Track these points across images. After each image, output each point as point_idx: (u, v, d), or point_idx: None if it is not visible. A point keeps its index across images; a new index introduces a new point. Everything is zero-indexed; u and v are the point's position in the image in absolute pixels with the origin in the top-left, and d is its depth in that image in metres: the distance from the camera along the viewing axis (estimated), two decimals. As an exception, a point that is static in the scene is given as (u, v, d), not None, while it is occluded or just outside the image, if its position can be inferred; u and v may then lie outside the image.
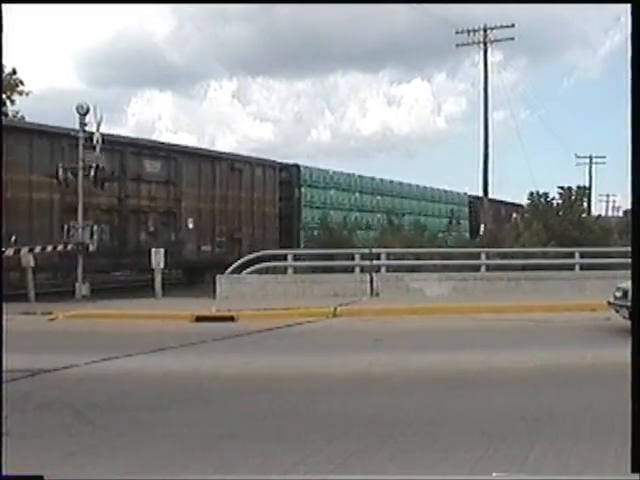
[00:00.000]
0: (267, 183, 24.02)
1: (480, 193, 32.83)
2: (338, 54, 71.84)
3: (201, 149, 23.23)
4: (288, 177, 25.31)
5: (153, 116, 79.03)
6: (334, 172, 28.45)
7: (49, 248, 16.14)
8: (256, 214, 23.42)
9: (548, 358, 8.53)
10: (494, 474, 4.16)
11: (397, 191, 32.22)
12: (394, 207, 30.83)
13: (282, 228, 24.38)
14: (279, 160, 26.61)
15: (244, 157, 24.17)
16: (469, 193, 38.27)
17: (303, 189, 25.81)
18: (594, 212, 40.56)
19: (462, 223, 33.59)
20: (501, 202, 37.90)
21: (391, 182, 32.05)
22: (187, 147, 22.41)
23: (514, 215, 37.20)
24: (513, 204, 39.07)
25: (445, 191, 36.87)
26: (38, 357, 8.58)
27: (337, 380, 7.61)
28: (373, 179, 30.93)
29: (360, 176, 30.02)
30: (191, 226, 20.71)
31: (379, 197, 30.71)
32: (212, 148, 23.84)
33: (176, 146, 21.47)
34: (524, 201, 28.56)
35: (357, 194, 29.24)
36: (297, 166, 26.07)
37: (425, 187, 34.89)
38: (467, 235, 31.79)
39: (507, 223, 34.31)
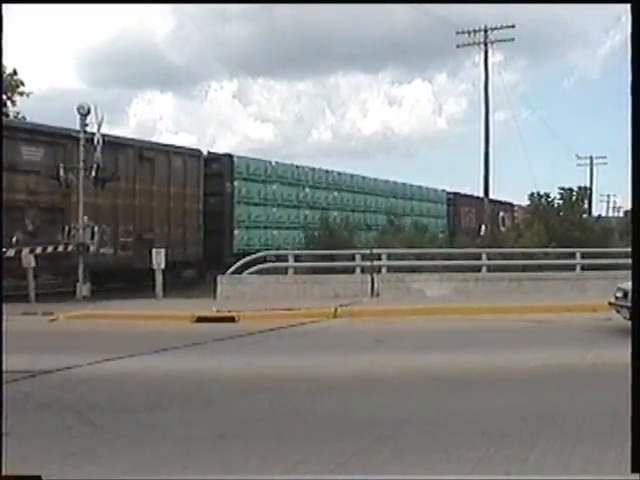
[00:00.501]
0: (188, 175, 21.09)
1: (481, 193, 32.74)
2: (339, 54, 72.13)
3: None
4: (219, 169, 22.54)
5: (154, 117, 79.35)
6: (277, 163, 25.42)
7: (50, 249, 16.15)
8: (173, 211, 20.57)
9: (549, 358, 8.53)
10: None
11: (359, 186, 29.48)
12: (355, 204, 28.63)
13: (209, 227, 21.64)
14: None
15: (157, 145, 21.05)
16: (448, 190, 36.93)
17: (237, 183, 22.83)
18: (595, 213, 40.73)
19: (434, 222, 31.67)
20: (489, 201, 37.06)
21: (352, 176, 29.30)
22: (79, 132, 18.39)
23: (501, 214, 37.00)
24: (500, 202, 38.63)
25: (420, 187, 34.63)
26: (39, 358, 8.58)
27: (338, 380, 7.61)
28: (328, 172, 27.95)
29: (312, 169, 27.19)
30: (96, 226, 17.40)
31: (336, 193, 27.83)
32: (115, 133, 19.57)
33: (64, 130, 17.71)
34: (525, 202, 28.57)
35: (307, 189, 26.22)
36: (230, 156, 23.15)
37: (396, 183, 32.64)
38: (445, 235, 30.33)
39: (495, 221, 34.16)
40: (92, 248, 16.48)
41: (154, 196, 19.93)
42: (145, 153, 19.74)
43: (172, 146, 21.61)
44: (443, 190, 36.65)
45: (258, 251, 21.72)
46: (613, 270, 15.80)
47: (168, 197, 20.40)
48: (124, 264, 18.22)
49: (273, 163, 25.08)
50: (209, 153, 23.02)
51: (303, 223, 25.24)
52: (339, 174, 28.52)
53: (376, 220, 29.15)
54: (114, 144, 18.60)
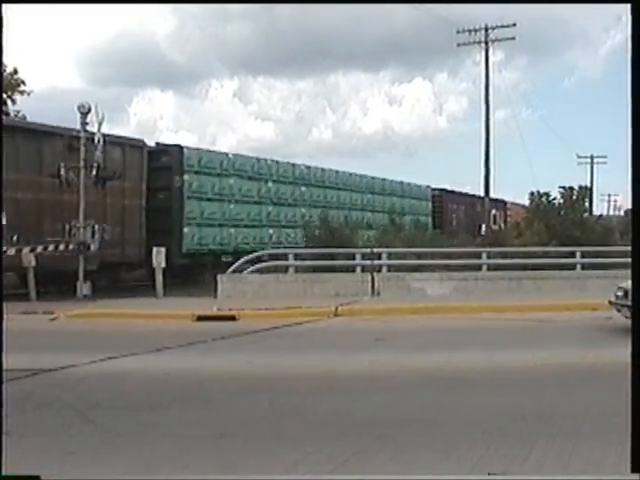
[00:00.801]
0: (129, 168, 19.20)
1: (481, 192, 32.68)
2: (339, 53, 72.04)
3: (20, 121, 17.34)
4: (168, 162, 20.75)
5: (155, 115, 79.07)
6: (235, 156, 23.55)
7: (50, 247, 16.14)
8: (110, 208, 18.61)
9: (549, 357, 8.53)
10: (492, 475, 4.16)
11: (331, 181, 27.62)
12: (327, 200, 26.93)
13: (155, 225, 19.87)
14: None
15: (92, 134, 17.53)
16: (433, 186, 35.47)
17: (187, 176, 20.94)
18: (595, 212, 40.57)
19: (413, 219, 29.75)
20: (479, 198, 35.18)
21: (324, 170, 27.41)
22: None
23: (493, 212, 36.59)
24: (493, 200, 38.04)
25: (400, 183, 32.88)
26: (39, 356, 8.59)
27: (338, 379, 7.61)
28: (295, 165, 26.15)
29: (275, 162, 25.17)
30: (3, 222, 15.43)
31: (304, 188, 25.93)
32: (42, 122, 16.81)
33: None
34: (523, 200, 28.47)
35: (270, 184, 24.38)
36: (179, 147, 21.26)
37: (374, 178, 30.85)
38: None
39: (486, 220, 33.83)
40: (93, 247, 16.49)
41: (88, 191, 17.33)
42: (75, 143, 17.12)
43: (109, 135, 18.71)
44: (428, 186, 35.12)
45: (211, 251, 21.05)
46: (613, 269, 15.78)
47: (104, 192, 18.07)
48: (49, 265, 16.13)
49: (230, 155, 23.43)
50: (157, 144, 21.46)
51: (266, 220, 23.92)
52: (307, 167, 26.77)
53: (351, 217, 27.24)
54: (39, 133, 17.17)
